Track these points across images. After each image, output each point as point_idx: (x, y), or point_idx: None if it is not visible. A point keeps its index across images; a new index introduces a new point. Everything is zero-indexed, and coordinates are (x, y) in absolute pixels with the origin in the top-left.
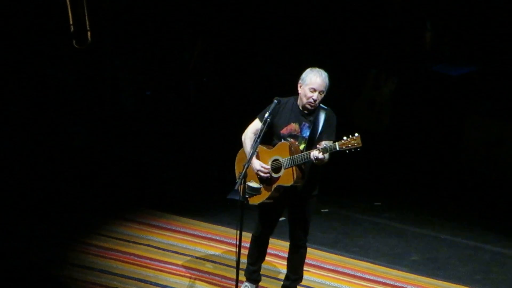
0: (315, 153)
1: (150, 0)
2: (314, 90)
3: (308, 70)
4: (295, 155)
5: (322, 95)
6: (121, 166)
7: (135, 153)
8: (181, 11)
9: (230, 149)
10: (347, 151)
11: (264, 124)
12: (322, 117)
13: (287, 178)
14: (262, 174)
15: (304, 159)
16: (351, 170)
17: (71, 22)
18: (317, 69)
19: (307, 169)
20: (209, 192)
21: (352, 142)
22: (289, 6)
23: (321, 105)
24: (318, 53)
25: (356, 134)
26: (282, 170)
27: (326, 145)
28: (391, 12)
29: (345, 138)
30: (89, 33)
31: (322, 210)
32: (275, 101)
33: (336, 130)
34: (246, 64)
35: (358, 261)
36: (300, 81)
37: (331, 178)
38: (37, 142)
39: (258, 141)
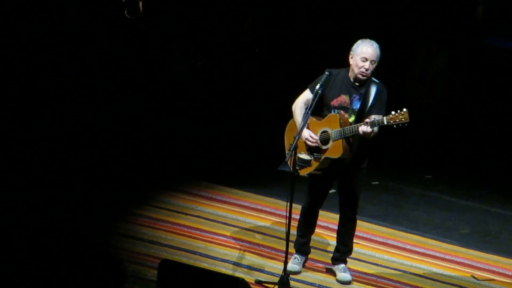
0: (363, 127)
1: None
2: (366, 60)
3: (359, 41)
4: (344, 128)
5: (374, 65)
6: (172, 137)
7: (186, 124)
8: None
9: (281, 119)
10: (394, 126)
11: (315, 95)
12: (373, 90)
13: (335, 150)
14: (309, 143)
15: (353, 132)
16: (402, 142)
17: None
18: (368, 39)
19: (356, 142)
20: (259, 163)
21: (400, 117)
22: None
23: (372, 78)
24: (370, 26)
25: (404, 109)
26: (331, 142)
27: (374, 118)
28: None
29: (393, 112)
30: (140, 3)
31: (373, 183)
32: (327, 72)
33: (386, 104)
34: (297, 35)
35: (408, 234)
36: (351, 52)
37: (382, 150)
38: (89, 112)
39: (309, 112)
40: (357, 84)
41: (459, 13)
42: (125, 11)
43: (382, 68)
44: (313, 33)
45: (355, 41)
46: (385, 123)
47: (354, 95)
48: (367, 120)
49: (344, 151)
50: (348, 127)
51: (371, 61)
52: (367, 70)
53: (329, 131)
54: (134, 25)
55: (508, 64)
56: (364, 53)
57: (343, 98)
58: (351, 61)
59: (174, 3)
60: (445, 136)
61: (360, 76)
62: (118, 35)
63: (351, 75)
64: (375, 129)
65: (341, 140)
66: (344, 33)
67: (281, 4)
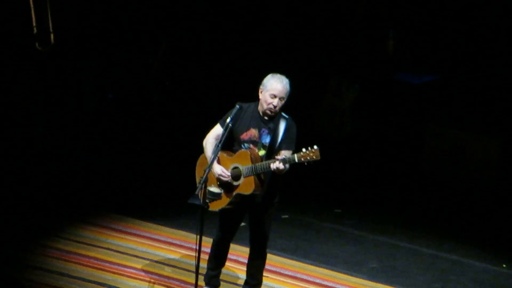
0: (276, 164)
1: (114, 2)
2: (275, 96)
3: (269, 76)
4: (255, 164)
5: (283, 102)
6: (82, 168)
7: (96, 156)
8: (144, 14)
9: (191, 153)
10: (305, 163)
11: (225, 129)
12: (282, 126)
13: (246, 186)
14: (222, 178)
15: (264, 169)
16: (312, 176)
17: (34, 24)
18: (279, 75)
19: (267, 178)
20: (169, 197)
21: (311, 154)
22: (253, 10)
23: (282, 113)
24: (281, 59)
25: (315, 147)
26: (242, 178)
27: (285, 156)
28: (354, 20)
29: (304, 150)
30: (52, 35)
31: (282, 216)
32: (237, 106)
33: (296, 139)
34: (208, 68)
35: (318, 267)
36: (261, 87)
37: (292, 184)
38: None
39: (220, 145)
40: (266, 118)
41: (370, 48)
42: (37, 43)
43: (292, 102)
44: (225, 66)
45: (266, 74)
46: (296, 161)
47: (263, 129)
48: (277, 157)
49: (256, 187)
50: (259, 163)
51: (279, 98)
52: (275, 106)
53: (240, 167)
54: (45, 57)
55: (418, 99)
56: (273, 90)
57: (253, 132)
58: (260, 96)
59: (85, 35)
60: (355, 171)
61: (269, 112)
62: (29, 66)
63: (260, 109)
64: (286, 166)
65: (252, 176)
66: (256, 65)
67: (192, 38)
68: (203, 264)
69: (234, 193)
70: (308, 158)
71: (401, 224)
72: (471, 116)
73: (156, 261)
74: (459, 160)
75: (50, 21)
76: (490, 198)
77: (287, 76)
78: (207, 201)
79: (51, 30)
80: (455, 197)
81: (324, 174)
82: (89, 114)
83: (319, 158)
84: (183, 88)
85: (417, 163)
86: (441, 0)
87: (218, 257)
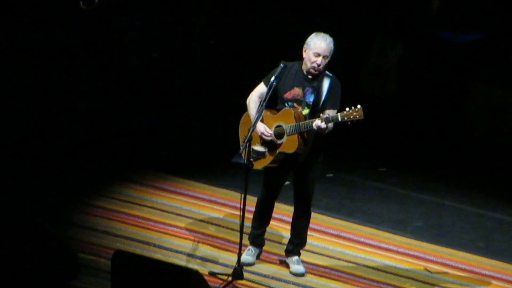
0: (317, 123)
1: None
2: (318, 55)
3: (313, 35)
4: (298, 123)
5: (327, 60)
6: (127, 128)
7: (141, 115)
8: None
9: (236, 112)
10: (349, 123)
11: (269, 87)
12: (326, 84)
13: (289, 145)
14: (264, 137)
15: (307, 127)
16: (357, 135)
17: None
18: (322, 33)
19: (311, 137)
20: (213, 155)
21: (354, 113)
22: None
23: (326, 71)
24: (326, 17)
25: (359, 106)
26: (285, 137)
27: (328, 115)
28: None
29: (347, 109)
30: None
31: (327, 175)
32: (282, 65)
33: (341, 98)
34: (253, 27)
35: (362, 226)
36: (305, 46)
37: (337, 142)
38: (44, 103)
39: (264, 104)
40: (310, 77)
41: (414, 6)
42: (80, 2)
43: (336, 61)
44: (268, 25)
45: (311, 33)
46: (339, 120)
47: (307, 88)
48: (321, 115)
49: (299, 146)
50: (302, 122)
51: (323, 56)
52: (319, 65)
53: (284, 125)
54: (89, 16)
55: (463, 58)
56: (317, 48)
57: (296, 91)
58: (304, 54)
59: None
60: (399, 130)
61: (313, 71)
62: (73, 25)
63: (304, 68)
64: (330, 125)
65: (295, 135)
66: (300, 24)
67: None
68: (248, 223)
69: (277, 152)
70: (351, 117)
71: (446, 183)
72: None
73: (201, 220)
74: (504, 119)
75: None
76: None
77: (331, 35)
78: (251, 159)
79: None
80: (500, 157)
81: (369, 133)
82: (134, 73)
83: (362, 117)
84: (227, 47)
85: (462, 122)
86: None
87: (263, 216)
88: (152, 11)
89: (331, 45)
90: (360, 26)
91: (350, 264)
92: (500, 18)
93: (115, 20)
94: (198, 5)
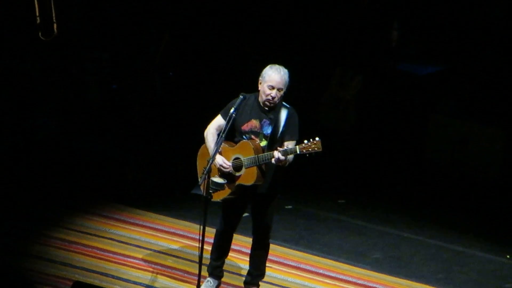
0: (276, 156)
1: None
2: (273, 88)
3: (267, 67)
4: (257, 156)
5: (282, 92)
6: (85, 159)
7: (99, 147)
8: (148, 4)
9: (194, 144)
10: (307, 155)
11: (229, 119)
12: (283, 115)
13: (248, 177)
14: (223, 169)
15: (266, 160)
16: (316, 167)
17: (37, 14)
18: (277, 66)
19: (269, 169)
20: (173, 186)
21: (313, 146)
22: (257, 2)
23: (283, 103)
24: (285, 50)
25: (317, 139)
26: (244, 169)
27: (287, 147)
28: (358, 10)
29: (306, 141)
30: (55, 25)
31: (286, 207)
32: (241, 96)
33: (299, 129)
34: (211, 59)
35: (321, 258)
36: (260, 78)
37: (296, 175)
38: (1, 134)
39: (223, 136)
40: (266, 109)
41: (373, 39)
42: (40, 33)
43: (295, 93)
44: (227, 57)
45: (269, 64)
46: (298, 152)
47: (264, 120)
48: (279, 148)
49: (257, 178)
50: (261, 155)
51: (278, 89)
52: (273, 98)
53: (242, 158)
54: (49, 47)
55: (422, 90)
56: (271, 81)
57: (254, 123)
58: (260, 87)
59: (89, 25)
60: (358, 162)
61: (268, 103)
62: (32, 56)
63: (260, 100)
64: (290, 157)
65: (254, 167)
66: (258, 56)
67: (196, 28)
68: (206, 255)
69: (236, 184)
70: (310, 149)
71: (405, 215)
72: (475, 107)
73: (159, 251)
74: (463, 151)
75: (53, 11)
76: (494, 189)
77: (289, 67)
78: (210, 191)
79: (54, 20)
80: (459, 188)
81: (328, 165)
82: (93, 105)
83: (321, 149)
84: (186, 79)
85: (421, 154)
86: None
87: (221, 248)
88: (112, 42)
89: (286, 77)
90: (320, 57)
91: None
92: (458, 51)
93: (74, 51)
94: (158, 37)
